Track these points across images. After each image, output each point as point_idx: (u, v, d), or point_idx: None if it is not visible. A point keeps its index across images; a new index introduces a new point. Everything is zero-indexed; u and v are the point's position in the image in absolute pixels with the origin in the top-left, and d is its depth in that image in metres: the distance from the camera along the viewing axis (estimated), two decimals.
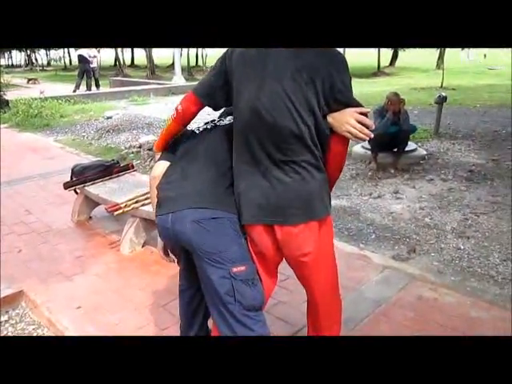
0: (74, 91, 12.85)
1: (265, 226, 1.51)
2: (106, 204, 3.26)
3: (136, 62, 30.66)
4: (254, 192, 1.48)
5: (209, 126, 1.72)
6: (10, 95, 10.49)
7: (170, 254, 1.80)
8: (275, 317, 2.32)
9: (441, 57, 21.06)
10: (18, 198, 4.38)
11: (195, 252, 1.49)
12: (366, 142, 5.03)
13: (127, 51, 29.24)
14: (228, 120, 1.69)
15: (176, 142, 1.72)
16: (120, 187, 3.54)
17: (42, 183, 4.87)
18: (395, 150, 5.07)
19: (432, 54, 24.09)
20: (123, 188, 3.50)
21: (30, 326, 2.39)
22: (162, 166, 1.67)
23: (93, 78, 13.67)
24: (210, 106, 1.61)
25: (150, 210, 2.91)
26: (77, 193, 3.76)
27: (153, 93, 12.79)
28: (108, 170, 3.77)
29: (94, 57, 13.68)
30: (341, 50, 2.30)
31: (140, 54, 28.09)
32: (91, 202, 3.71)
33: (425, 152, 5.48)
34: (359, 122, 1.42)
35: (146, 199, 3.07)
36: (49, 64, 36.90)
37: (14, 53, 35.82)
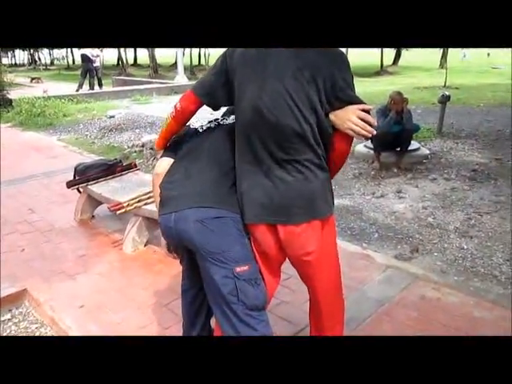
0: (77, 90, 12.90)
1: (268, 226, 1.51)
2: (109, 203, 3.26)
3: (139, 61, 30.76)
4: (257, 191, 1.48)
5: (212, 125, 1.71)
6: (13, 94, 10.54)
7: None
8: (278, 316, 2.32)
9: (444, 56, 21.04)
10: (21, 197, 4.39)
11: (198, 251, 1.49)
12: (369, 141, 5.03)
13: (130, 50, 29.34)
14: (231, 119, 1.68)
15: (179, 140, 1.71)
16: (123, 186, 3.54)
17: (45, 182, 4.88)
18: (398, 149, 5.06)
19: (435, 53, 24.03)
20: (126, 187, 3.50)
21: (33, 325, 2.40)
22: (165, 163, 1.67)
23: (96, 78, 13.72)
24: (209, 105, 1.60)
25: (152, 208, 2.92)
26: (80, 192, 3.77)
27: (155, 92, 12.81)
28: (111, 168, 3.78)
29: (97, 56, 13.72)
30: (343, 49, 2.30)
31: (143, 54, 28.19)
32: (94, 201, 3.72)
33: (428, 151, 5.46)
34: (361, 120, 1.42)
35: (148, 198, 3.07)
36: (52, 63, 37.06)
37: (18, 52, 36.02)
